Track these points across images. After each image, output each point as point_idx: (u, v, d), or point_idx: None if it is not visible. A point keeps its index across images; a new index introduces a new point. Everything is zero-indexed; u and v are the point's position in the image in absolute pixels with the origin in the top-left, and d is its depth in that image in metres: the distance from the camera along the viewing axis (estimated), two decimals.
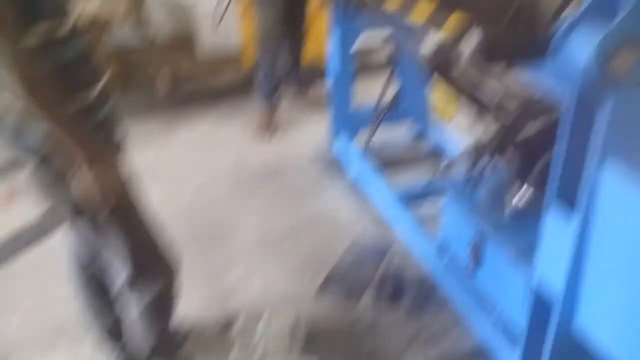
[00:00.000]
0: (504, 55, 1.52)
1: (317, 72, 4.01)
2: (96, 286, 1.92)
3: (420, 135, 3.40)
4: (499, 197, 2.04)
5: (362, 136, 3.22)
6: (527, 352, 1.76)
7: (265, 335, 2.22)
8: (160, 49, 3.93)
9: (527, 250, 1.80)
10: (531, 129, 1.87)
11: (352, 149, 3.16)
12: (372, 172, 2.93)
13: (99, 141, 1.44)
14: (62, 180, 1.46)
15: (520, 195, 1.94)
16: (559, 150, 1.44)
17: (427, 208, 2.77)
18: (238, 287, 2.51)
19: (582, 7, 1.26)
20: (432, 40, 1.92)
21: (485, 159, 2.11)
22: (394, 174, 3.12)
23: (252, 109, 3.85)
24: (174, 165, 3.40)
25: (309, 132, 3.72)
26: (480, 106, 2.10)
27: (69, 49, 1.39)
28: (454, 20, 1.73)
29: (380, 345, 2.20)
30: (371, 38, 3.12)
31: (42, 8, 1.31)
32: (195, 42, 3.97)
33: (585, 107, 1.31)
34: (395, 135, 3.43)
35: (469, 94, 2.16)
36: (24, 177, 3.09)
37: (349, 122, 3.24)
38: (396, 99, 3.16)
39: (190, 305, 2.02)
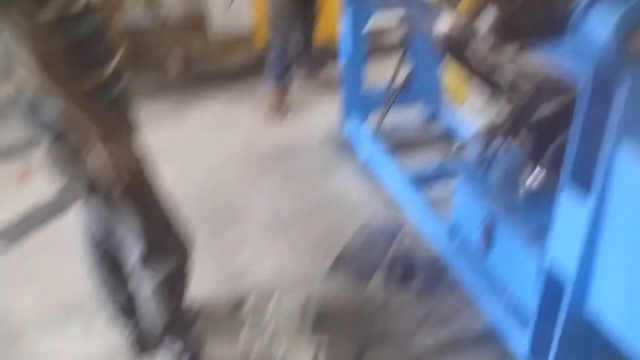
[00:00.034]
0: (520, 33, 1.50)
1: (329, 53, 3.98)
2: (109, 263, 1.93)
3: (433, 117, 3.38)
4: (511, 179, 2.02)
5: (373, 118, 3.20)
6: (538, 333, 1.77)
7: (275, 314, 2.24)
8: (171, 29, 3.92)
9: (539, 233, 1.79)
10: (545, 110, 1.86)
11: (364, 131, 3.15)
12: (384, 154, 2.92)
13: (112, 118, 1.44)
14: (77, 157, 1.46)
15: (534, 177, 1.92)
16: (575, 130, 1.42)
17: (439, 190, 2.76)
18: (249, 268, 2.52)
19: None
20: (446, 20, 1.90)
21: (498, 140, 2.09)
22: (406, 156, 3.11)
23: (263, 90, 3.84)
24: (186, 146, 3.40)
25: (320, 113, 3.71)
26: (494, 87, 2.08)
27: (82, 25, 1.39)
28: None
29: (390, 326, 2.21)
30: (384, 18, 3.09)
31: None
32: (206, 22, 3.96)
33: (603, 86, 1.30)
34: (407, 117, 3.41)
35: (483, 74, 2.14)
36: (38, 155, 3.14)
37: (360, 103, 3.22)
38: (408, 80, 3.14)
39: (202, 284, 2.03)
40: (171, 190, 1.82)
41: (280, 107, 3.74)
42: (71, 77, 1.33)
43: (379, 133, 3.14)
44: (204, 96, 3.97)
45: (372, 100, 3.20)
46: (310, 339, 2.13)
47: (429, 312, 2.25)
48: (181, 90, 4.02)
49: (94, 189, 1.52)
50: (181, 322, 1.91)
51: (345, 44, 3.11)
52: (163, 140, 3.17)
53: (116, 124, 1.45)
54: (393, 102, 3.10)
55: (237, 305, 2.31)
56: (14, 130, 3.34)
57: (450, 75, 3.31)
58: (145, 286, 1.77)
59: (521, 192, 1.95)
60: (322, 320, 2.23)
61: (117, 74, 1.48)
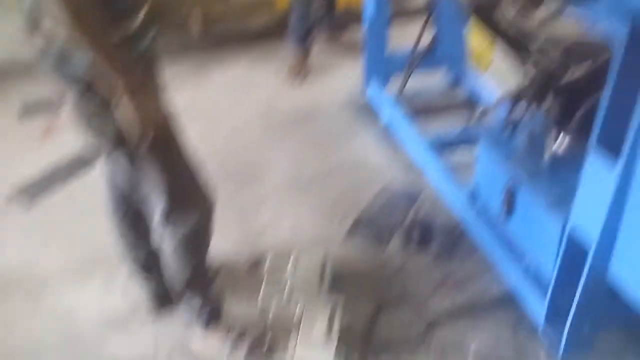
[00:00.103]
0: None
1: (351, 16, 3.93)
2: (131, 219, 1.95)
3: (456, 82, 3.34)
4: (535, 145, 2.00)
5: (396, 82, 3.17)
6: (555, 299, 1.77)
7: (293, 273, 2.26)
8: None
9: (561, 199, 1.78)
10: (574, 74, 1.82)
11: (385, 95, 3.12)
12: (405, 118, 2.90)
13: (140, 72, 1.44)
14: (104, 111, 1.46)
15: (559, 143, 1.90)
16: (606, 94, 1.40)
17: (461, 156, 2.74)
18: (268, 228, 2.54)
19: None
20: None
21: (523, 105, 2.06)
22: (428, 121, 3.08)
23: (284, 53, 3.81)
24: (207, 108, 3.40)
25: (342, 77, 3.67)
26: (521, 51, 2.05)
27: None
28: None
29: (406, 289, 2.22)
30: None
31: None
32: None
33: (638, 47, 1.26)
34: (430, 82, 3.37)
35: (510, 38, 2.11)
36: (61, 111, 3.17)
37: (383, 67, 3.19)
38: (432, 44, 3.10)
39: (221, 243, 2.05)
40: (193, 151, 1.83)
41: (302, 70, 3.71)
42: (100, 28, 1.32)
43: (401, 97, 3.11)
44: (226, 58, 3.95)
45: (394, 64, 3.16)
46: (327, 298, 2.15)
47: (446, 276, 2.26)
48: (203, 52, 4.00)
49: (119, 143, 1.52)
50: (202, 278, 1.92)
51: (368, 7, 3.05)
52: (185, 101, 3.16)
53: (143, 78, 1.45)
54: (416, 66, 3.06)
55: (256, 263, 2.34)
56: (36, 86, 3.36)
57: (475, 40, 3.26)
58: (167, 242, 1.79)
59: (545, 157, 1.93)
60: (339, 281, 2.24)
61: (144, 27, 1.46)
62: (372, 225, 2.53)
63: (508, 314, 2.06)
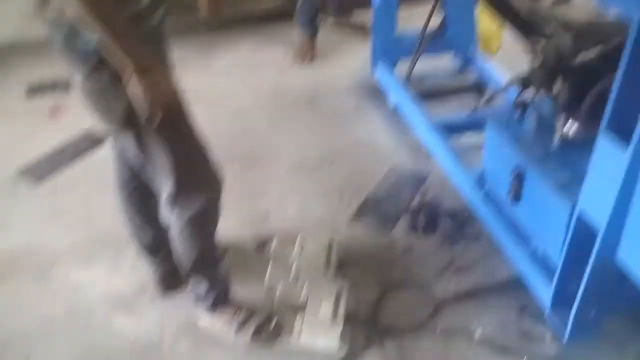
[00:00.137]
0: None
1: None
2: (138, 201, 1.96)
3: (465, 65, 3.32)
4: (544, 129, 1.99)
5: (404, 64, 3.15)
6: (563, 281, 1.77)
7: (299, 256, 2.26)
8: None
9: (569, 182, 1.77)
10: (584, 58, 1.80)
11: (393, 77, 3.10)
12: (413, 101, 2.88)
13: (149, 50, 1.43)
14: (113, 89, 1.46)
15: (568, 128, 1.88)
16: (618, 78, 1.38)
17: (469, 140, 2.73)
18: (274, 210, 2.54)
19: None
20: None
21: (532, 90, 2.05)
22: (436, 104, 3.07)
23: (292, 35, 3.79)
24: (214, 88, 3.39)
25: (350, 59, 3.66)
26: (531, 34, 2.03)
27: None
28: None
29: (413, 272, 2.22)
30: None
31: None
32: None
33: None
34: (438, 64, 3.35)
35: (520, 20, 2.08)
36: (69, 91, 3.16)
37: (391, 49, 3.17)
38: (441, 27, 3.07)
39: (227, 224, 2.05)
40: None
41: (309, 52, 3.70)
42: (109, 7, 1.31)
43: (409, 80, 3.09)
44: (233, 39, 3.94)
45: (403, 46, 3.14)
46: (333, 282, 2.15)
47: (452, 259, 2.26)
48: (210, 33, 3.98)
49: (127, 123, 1.51)
50: (209, 260, 1.92)
51: None
52: (191, 82, 3.16)
53: (153, 56, 1.44)
54: (424, 48, 3.04)
55: (262, 246, 2.34)
56: (44, 66, 3.36)
57: (484, 23, 3.23)
58: (175, 223, 1.79)
59: (554, 141, 1.91)
60: (345, 264, 2.25)
61: (153, 5, 1.45)
62: (378, 208, 2.52)
63: (514, 298, 2.07)
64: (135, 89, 1.40)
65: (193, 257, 1.87)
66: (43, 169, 2.80)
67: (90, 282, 2.21)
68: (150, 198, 1.89)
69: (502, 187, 2.07)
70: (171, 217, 1.77)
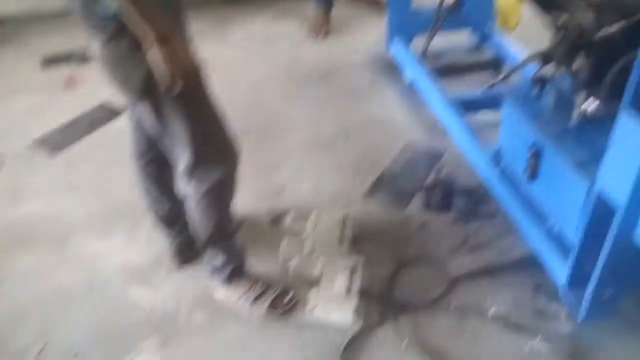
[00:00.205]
0: None
1: None
2: (154, 173, 1.96)
3: (482, 41, 3.28)
4: (563, 106, 1.96)
5: (420, 40, 3.11)
6: (580, 259, 1.76)
7: (314, 231, 2.26)
8: None
9: (587, 160, 1.75)
10: (606, 33, 1.77)
11: (409, 53, 3.07)
12: (429, 77, 2.85)
13: (169, 20, 1.41)
14: (132, 57, 1.45)
15: (587, 104, 1.86)
16: None
17: (485, 117, 2.70)
18: (288, 184, 2.54)
19: None
20: None
21: (551, 66, 2.02)
22: (452, 80, 3.04)
23: (307, 9, 3.75)
24: (229, 62, 3.37)
25: (365, 34, 3.63)
26: (551, 9, 1.99)
27: None
28: None
29: (427, 249, 2.22)
30: None
31: None
32: None
33: None
34: (455, 40, 3.31)
35: None
36: (85, 62, 3.15)
37: (407, 25, 3.13)
38: (458, 2, 3.02)
39: (242, 198, 2.05)
40: None
41: (324, 26, 3.67)
42: None
43: (425, 56, 3.06)
44: (248, 13, 3.91)
45: (419, 21, 3.10)
46: (347, 257, 2.16)
47: (467, 237, 2.26)
48: (226, 6, 3.96)
49: (146, 91, 1.51)
50: (225, 232, 1.92)
51: None
52: (207, 54, 3.15)
53: (172, 25, 1.43)
54: (441, 24, 3.00)
55: (276, 220, 2.35)
56: (60, 38, 3.36)
57: None
58: (191, 195, 1.79)
59: (573, 118, 1.89)
60: (359, 240, 2.25)
61: None
62: (393, 184, 2.52)
63: (528, 277, 2.06)
64: (155, 57, 1.39)
65: (209, 229, 1.87)
66: (59, 140, 2.81)
67: (107, 253, 2.23)
68: (166, 170, 1.89)
69: (519, 165, 2.05)
70: (188, 189, 1.77)
